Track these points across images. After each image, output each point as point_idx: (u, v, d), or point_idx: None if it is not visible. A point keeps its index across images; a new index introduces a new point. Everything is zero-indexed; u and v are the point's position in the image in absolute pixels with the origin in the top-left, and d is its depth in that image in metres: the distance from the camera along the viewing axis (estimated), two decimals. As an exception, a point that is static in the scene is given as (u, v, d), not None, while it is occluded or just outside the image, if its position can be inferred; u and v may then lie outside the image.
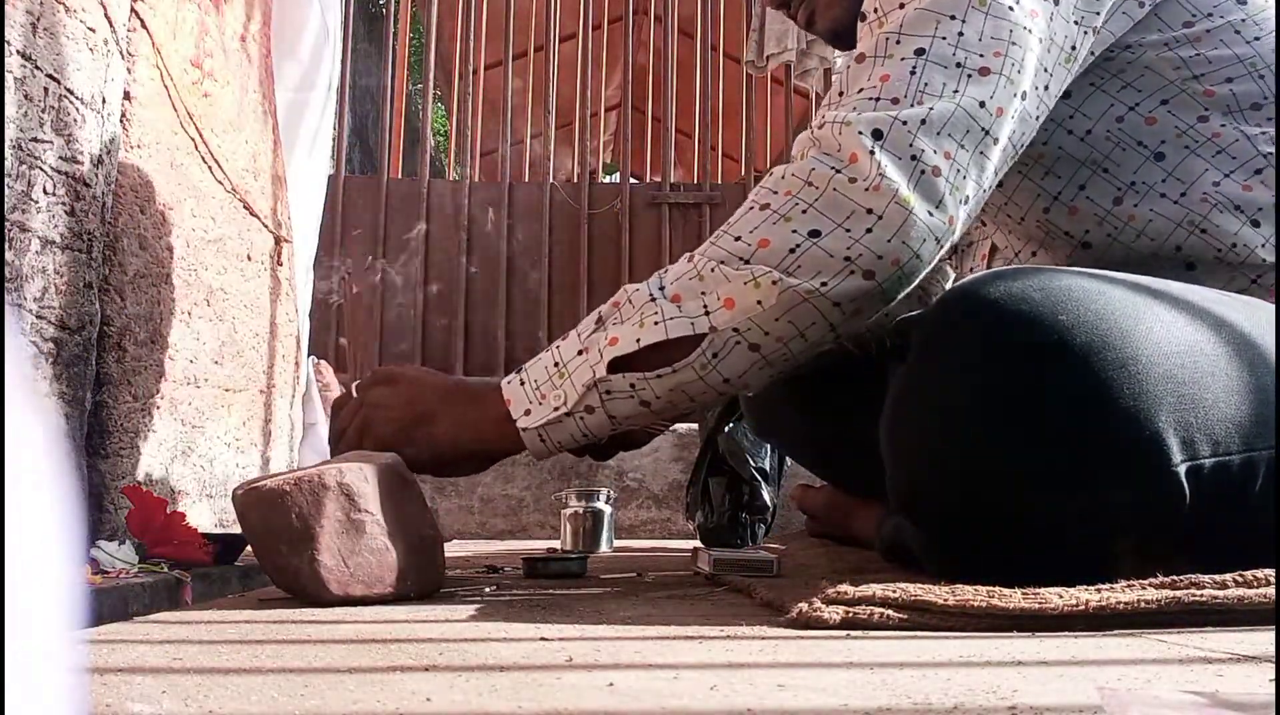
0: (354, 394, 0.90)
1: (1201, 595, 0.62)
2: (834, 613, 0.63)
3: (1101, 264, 0.91)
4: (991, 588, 0.66)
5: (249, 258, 1.39)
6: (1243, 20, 0.92)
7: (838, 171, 0.77)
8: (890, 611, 0.63)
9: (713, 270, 0.77)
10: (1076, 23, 0.87)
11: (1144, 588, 0.64)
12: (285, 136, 1.55)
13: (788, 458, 1.61)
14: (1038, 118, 0.86)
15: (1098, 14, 0.89)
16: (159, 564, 0.85)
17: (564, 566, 1.07)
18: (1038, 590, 0.64)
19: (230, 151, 1.31)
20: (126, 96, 1.03)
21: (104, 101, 0.96)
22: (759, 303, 0.76)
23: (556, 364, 0.80)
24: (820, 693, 0.43)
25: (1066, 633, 0.60)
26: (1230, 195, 0.90)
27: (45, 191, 0.86)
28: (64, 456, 0.89)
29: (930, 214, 0.77)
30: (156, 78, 1.09)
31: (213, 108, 1.25)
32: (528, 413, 0.81)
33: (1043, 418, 0.73)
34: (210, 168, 1.24)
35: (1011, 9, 0.82)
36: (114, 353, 1.00)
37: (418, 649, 0.58)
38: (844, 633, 0.62)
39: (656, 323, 0.77)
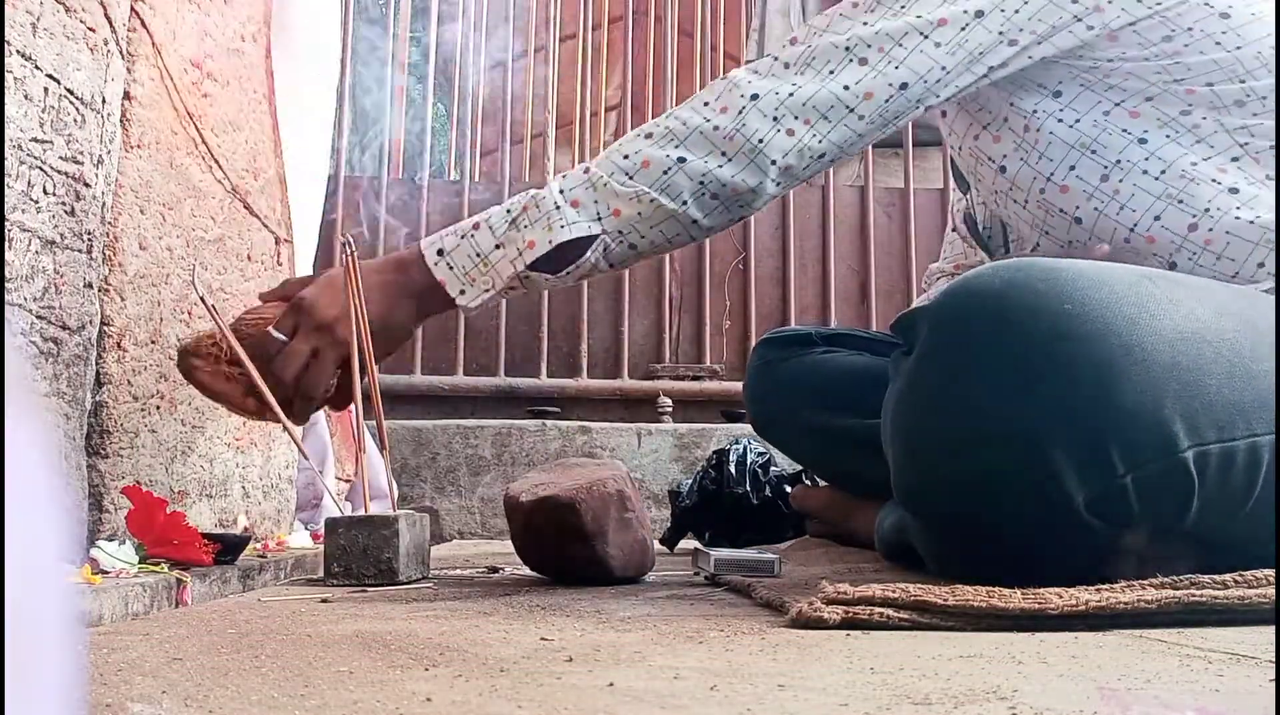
0: (276, 337, 0.96)
1: (1201, 595, 0.62)
2: (834, 613, 0.63)
3: (1094, 239, 0.98)
4: (992, 588, 0.66)
5: (249, 258, 1.39)
6: (1223, 32, 0.94)
7: (708, 119, 0.94)
8: (890, 611, 0.63)
9: (604, 184, 0.95)
10: (1000, 32, 0.94)
11: (1144, 588, 0.64)
12: (285, 136, 1.55)
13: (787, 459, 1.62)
14: (918, 103, 0.96)
15: (1022, 31, 0.94)
16: (159, 564, 0.85)
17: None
18: (1038, 590, 0.64)
19: (230, 151, 1.31)
20: (126, 96, 1.03)
21: (104, 101, 0.96)
22: (639, 213, 0.94)
23: (478, 254, 0.97)
24: (820, 693, 0.43)
25: (1066, 633, 0.60)
26: (1207, 175, 0.94)
27: (45, 191, 0.86)
28: (64, 456, 0.89)
29: (773, 163, 0.93)
30: (156, 78, 1.09)
31: (213, 108, 1.25)
32: (463, 293, 0.98)
33: (1049, 407, 0.73)
34: (210, 168, 1.24)
35: (920, 15, 0.94)
36: (114, 353, 1.00)
37: (418, 649, 0.58)
38: (844, 633, 0.62)
39: (563, 227, 0.95)
